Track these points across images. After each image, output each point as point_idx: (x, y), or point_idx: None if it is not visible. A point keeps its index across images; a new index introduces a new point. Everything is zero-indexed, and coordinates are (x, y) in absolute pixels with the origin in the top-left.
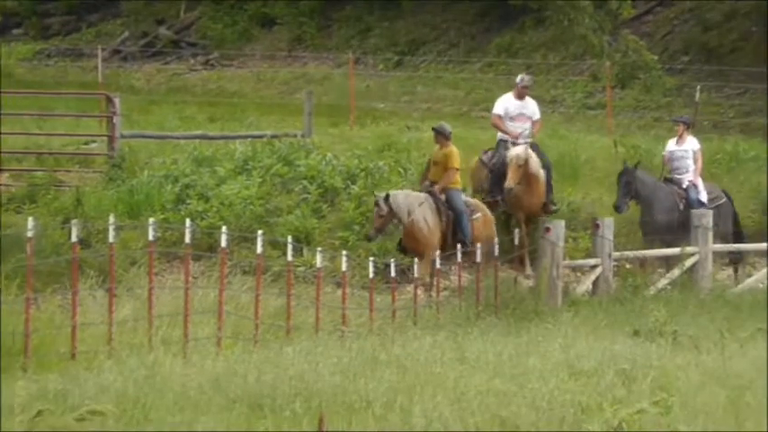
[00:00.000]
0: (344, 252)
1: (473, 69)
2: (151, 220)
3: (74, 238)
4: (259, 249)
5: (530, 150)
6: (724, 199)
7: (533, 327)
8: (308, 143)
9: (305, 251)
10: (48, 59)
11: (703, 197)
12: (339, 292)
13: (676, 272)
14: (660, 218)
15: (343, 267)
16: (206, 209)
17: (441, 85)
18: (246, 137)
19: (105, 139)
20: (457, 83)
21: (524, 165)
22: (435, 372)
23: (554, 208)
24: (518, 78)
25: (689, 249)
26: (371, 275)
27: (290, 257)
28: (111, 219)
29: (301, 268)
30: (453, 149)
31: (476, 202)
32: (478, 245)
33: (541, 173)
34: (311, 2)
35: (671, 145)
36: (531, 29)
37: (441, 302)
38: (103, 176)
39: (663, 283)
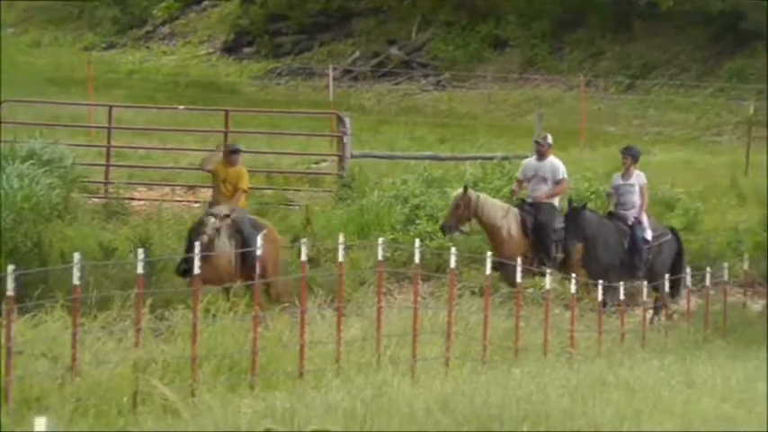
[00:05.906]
0: (573, 275)
1: (704, 94)
2: (380, 239)
3: (303, 257)
4: (488, 271)
5: (475, 197)
6: (669, 236)
7: (762, 351)
8: None
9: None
10: (279, 78)
11: (648, 234)
12: (568, 313)
13: None
14: (604, 257)
15: (572, 290)
16: (435, 230)
17: (672, 109)
18: (477, 158)
19: (335, 158)
20: (688, 107)
21: (463, 208)
22: (663, 395)
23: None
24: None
25: None
26: (600, 298)
27: (518, 279)
28: (341, 238)
29: (530, 290)
30: (244, 169)
31: (263, 222)
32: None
33: (498, 223)
34: (543, 24)
35: (617, 179)
36: (763, 53)
37: (669, 326)
38: (333, 196)
39: None
